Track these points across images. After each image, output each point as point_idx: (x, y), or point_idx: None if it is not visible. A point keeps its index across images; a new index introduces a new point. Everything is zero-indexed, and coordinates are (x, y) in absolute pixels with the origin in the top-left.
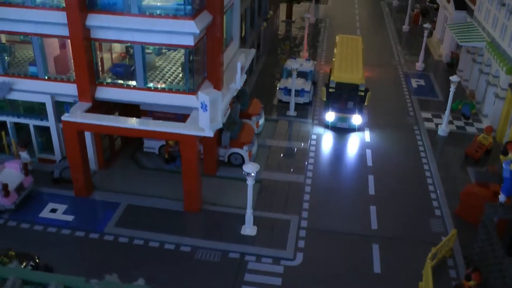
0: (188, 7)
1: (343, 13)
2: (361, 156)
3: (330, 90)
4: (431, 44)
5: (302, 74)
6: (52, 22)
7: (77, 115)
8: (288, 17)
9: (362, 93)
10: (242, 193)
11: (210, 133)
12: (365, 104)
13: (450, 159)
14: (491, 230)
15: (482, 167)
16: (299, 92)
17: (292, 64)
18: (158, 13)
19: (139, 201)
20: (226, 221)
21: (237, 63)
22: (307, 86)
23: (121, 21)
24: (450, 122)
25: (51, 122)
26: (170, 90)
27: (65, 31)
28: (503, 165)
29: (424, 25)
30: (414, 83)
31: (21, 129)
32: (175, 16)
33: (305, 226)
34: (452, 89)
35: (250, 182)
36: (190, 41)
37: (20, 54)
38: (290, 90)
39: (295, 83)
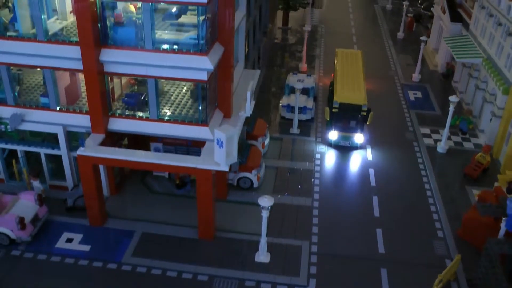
0: (202, 42)
1: (338, 18)
2: (365, 176)
3: (333, 110)
4: (426, 52)
5: (303, 91)
6: (66, 57)
7: (92, 149)
8: (285, 24)
9: (365, 113)
10: (253, 217)
11: (225, 168)
12: (367, 123)
13: (450, 178)
14: (494, 261)
15: (480, 187)
16: (301, 109)
17: (294, 80)
18: (172, 48)
19: (153, 228)
20: (240, 248)
21: (247, 92)
22: (310, 103)
23: (135, 56)
24: (448, 138)
25: (63, 151)
26: (182, 122)
27: (78, 65)
28: (507, 202)
29: (421, 38)
30: (411, 95)
31: (31, 155)
32: (188, 52)
33: (315, 251)
34: (451, 109)
35: (264, 214)
36: (204, 76)
37: (28, 80)
38: (293, 108)
39: (296, 98)
